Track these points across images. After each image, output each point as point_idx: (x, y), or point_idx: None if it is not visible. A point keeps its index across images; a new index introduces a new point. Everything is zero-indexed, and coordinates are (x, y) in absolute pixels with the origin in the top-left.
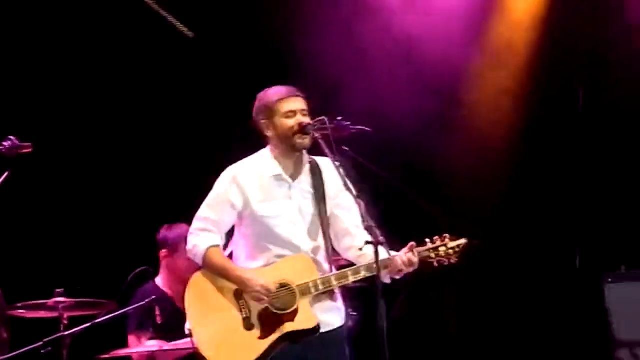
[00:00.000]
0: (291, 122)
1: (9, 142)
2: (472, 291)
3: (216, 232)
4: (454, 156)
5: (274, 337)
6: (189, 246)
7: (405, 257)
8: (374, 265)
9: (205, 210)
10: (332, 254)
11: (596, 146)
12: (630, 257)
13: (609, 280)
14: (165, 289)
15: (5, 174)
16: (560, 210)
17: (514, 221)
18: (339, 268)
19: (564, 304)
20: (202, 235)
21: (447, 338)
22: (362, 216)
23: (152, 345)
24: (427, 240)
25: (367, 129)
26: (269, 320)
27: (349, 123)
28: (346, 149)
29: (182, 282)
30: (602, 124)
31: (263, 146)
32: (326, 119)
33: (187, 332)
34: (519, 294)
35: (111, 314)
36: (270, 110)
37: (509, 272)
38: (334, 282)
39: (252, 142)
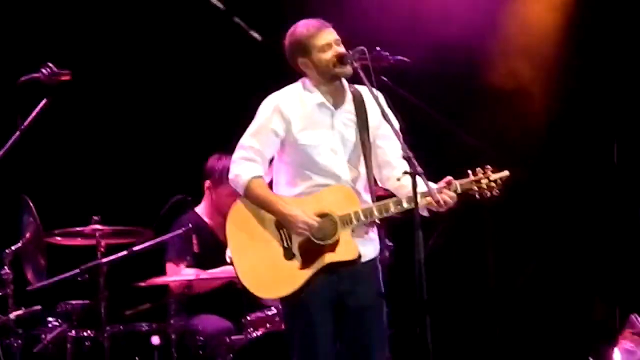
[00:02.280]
0: (329, 55)
1: (48, 70)
2: (511, 224)
3: (259, 161)
4: (496, 88)
5: (314, 267)
6: (231, 175)
7: (442, 193)
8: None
9: (248, 139)
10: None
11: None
12: None
13: None
14: (205, 219)
15: (44, 101)
16: (601, 143)
17: (556, 154)
18: (378, 198)
19: (601, 236)
20: (245, 164)
21: (484, 270)
22: (401, 146)
23: (189, 273)
24: (469, 171)
25: (406, 59)
26: (310, 251)
27: (387, 53)
28: (384, 79)
29: (222, 214)
30: None
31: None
32: (365, 49)
33: (228, 260)
34: (558, 227)
35: (148, 241)
36: (305, 48)
37: (548, 206)
38: (376, 213)
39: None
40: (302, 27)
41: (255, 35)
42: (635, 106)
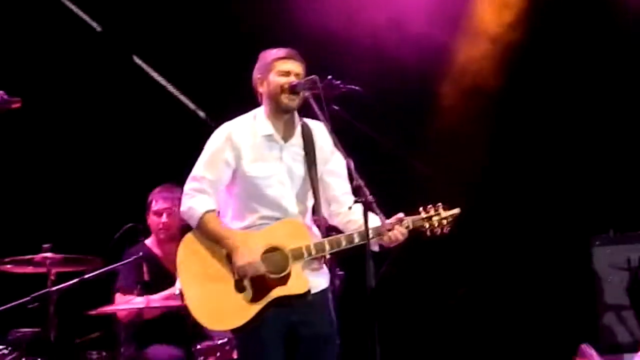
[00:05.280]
0: (282, 81)
1: None
2: (461, 250)
3: (212, 193)
4: (443, 119)
5: (265, 300)
6: (184, 207)
7: (394, 230)
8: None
9: (200, 169)
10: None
11: (585, 110)
12: (618, 221)
13: (597, 243)
14: (155, 250)
15: None
16: (549, 173)
17: (503, 184)
18: (327, 230)
19: (551, 266)
20: (198, 197)
21: (435, 297)
22: (352, 175)
23: (139, 301)
24: (421, 209)
25: (357, 88)
26: (260, 284)
27: (339, 82)
28: (336, 108)
29: (171, 240)
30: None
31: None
32: (317, 78)
33: (177, 292)
34: (507, 255)
35: (99, 270)
36: (266, 68)
37: (498, 235)
38: (327, 248)
39: (248, 102)
40: (274, 50)
41: (201, 114)
42: (578, 131)
